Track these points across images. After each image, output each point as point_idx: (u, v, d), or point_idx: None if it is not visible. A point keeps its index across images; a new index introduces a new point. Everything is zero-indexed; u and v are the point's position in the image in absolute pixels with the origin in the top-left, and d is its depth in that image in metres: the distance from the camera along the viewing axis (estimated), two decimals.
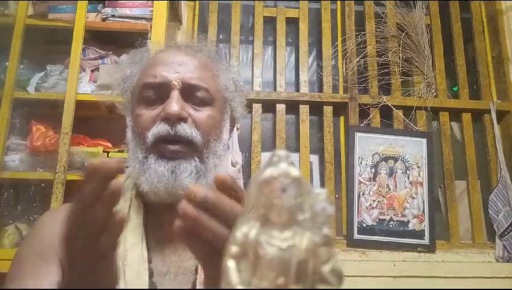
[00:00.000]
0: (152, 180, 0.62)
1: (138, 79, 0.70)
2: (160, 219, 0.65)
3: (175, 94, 0.64)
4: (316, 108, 1.92)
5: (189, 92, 0.66)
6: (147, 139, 0.64)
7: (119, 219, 0.41)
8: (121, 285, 0.59)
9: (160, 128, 0.63)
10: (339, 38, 2.02)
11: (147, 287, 0.60)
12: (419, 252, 1.70)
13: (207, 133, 0.66)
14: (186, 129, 0.63)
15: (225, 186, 0.39)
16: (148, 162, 0.63)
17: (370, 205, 1.74)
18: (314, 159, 1.91)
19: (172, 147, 0.63)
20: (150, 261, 0.62)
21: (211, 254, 0.38)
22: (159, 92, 0.66)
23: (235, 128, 0.81)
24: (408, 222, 1.74)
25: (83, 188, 0.39)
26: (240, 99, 0.76)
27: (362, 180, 1.77)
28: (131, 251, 0.62)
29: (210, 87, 0.68)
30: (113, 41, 1.65)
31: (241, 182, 1.62)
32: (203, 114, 0.66)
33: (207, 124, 0.66)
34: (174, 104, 0.63)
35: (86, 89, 1.51)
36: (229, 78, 0.74)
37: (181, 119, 0.63)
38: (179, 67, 0.67)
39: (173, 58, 0.69)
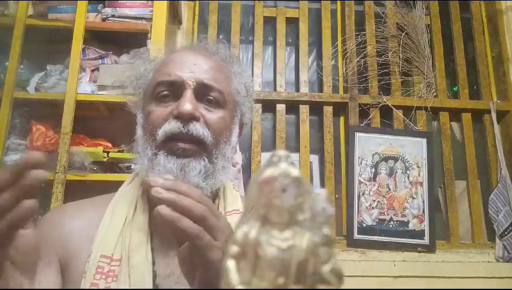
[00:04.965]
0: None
1: (152, 77, 0.70)
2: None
3: (189, 93, 0.64)
4: (316, 108, 1.92)
5: (202, 92, 0.66)
6: (158, 136, 0.64)
7: (21, 207, 0.44)
8: (126, 285, 0.59)
9: (172, 125, 0.63)
10: (339, 38, 2.02)
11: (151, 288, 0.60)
12: (419, 252, 1.69)
13: (218, 134, 0.66)
14: (198, 128, 0.63)
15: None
16: (157, 159, 0.63)
17: (370, 205, 1.74)
18: (314, 159, 1.91)
19: (182, 145, 0.63)
20: (153, 263, 0.62)
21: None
22: (172, 90, 0.66)
23: None
24: (408, 222, 1.73)
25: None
26: (249, 104, 0.76)
27: (362, 180, 1.77)
28: (136, 252, 0.62)
29: (223, 89, 0.68)
30: (113, 41, 1.65)
31: (241, 182, 1.61)
32: (215, 115, 0.66)
33: (218, 125, 0.66)
34: (188, 103, 0.63)
35: (86, 89, 1.51)
36: (241, 83, 0.74)
37: (193, 118, 0.63)
38: (194, 67, 0.67)
39: (188, 58, 0.69)
